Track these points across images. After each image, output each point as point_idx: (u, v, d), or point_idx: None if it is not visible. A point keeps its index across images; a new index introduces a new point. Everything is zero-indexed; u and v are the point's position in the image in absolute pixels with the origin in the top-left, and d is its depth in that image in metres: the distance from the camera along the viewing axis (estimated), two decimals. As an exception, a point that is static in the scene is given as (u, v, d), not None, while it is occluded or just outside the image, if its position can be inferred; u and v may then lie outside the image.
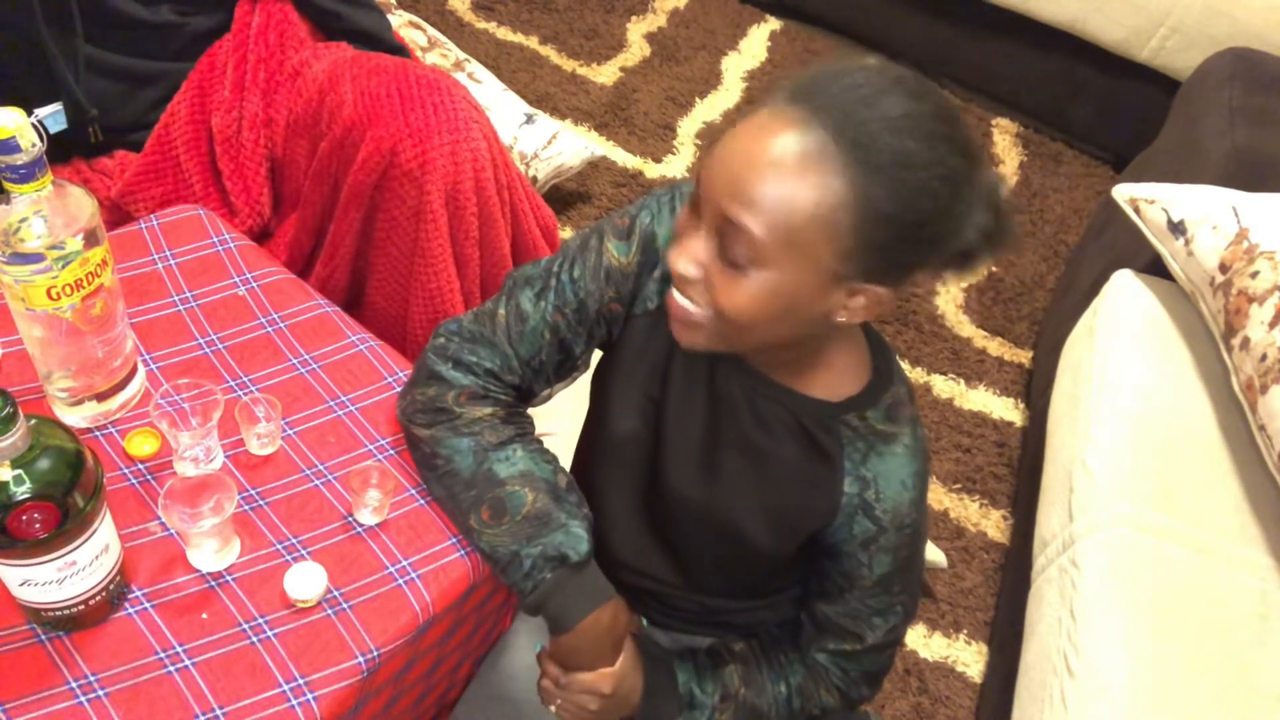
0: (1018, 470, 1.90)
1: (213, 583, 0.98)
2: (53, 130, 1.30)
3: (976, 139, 0.82)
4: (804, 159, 0.76)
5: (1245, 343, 1.34)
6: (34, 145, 0.87)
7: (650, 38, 2.58)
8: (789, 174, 0.76)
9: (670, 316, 0.88)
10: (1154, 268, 1.60)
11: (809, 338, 0.90)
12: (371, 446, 1.10)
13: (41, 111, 1.28)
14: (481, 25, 2.51)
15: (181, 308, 1.18)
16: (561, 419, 1.35)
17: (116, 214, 1.37)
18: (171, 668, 0.92)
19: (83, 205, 0.94)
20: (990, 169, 0.85)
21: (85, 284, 0.95)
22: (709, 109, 2.44)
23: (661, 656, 1.05)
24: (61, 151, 1.35)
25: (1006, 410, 2.00)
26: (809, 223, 0.77)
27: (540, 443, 1.03)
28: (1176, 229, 1.50)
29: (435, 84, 1.32)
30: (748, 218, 0.77)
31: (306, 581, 0.97)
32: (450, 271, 1.37)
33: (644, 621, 1.13)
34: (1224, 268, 1.41)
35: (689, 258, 0.83)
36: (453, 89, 1.33)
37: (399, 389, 1.13)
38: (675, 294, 0.86)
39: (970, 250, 0.83)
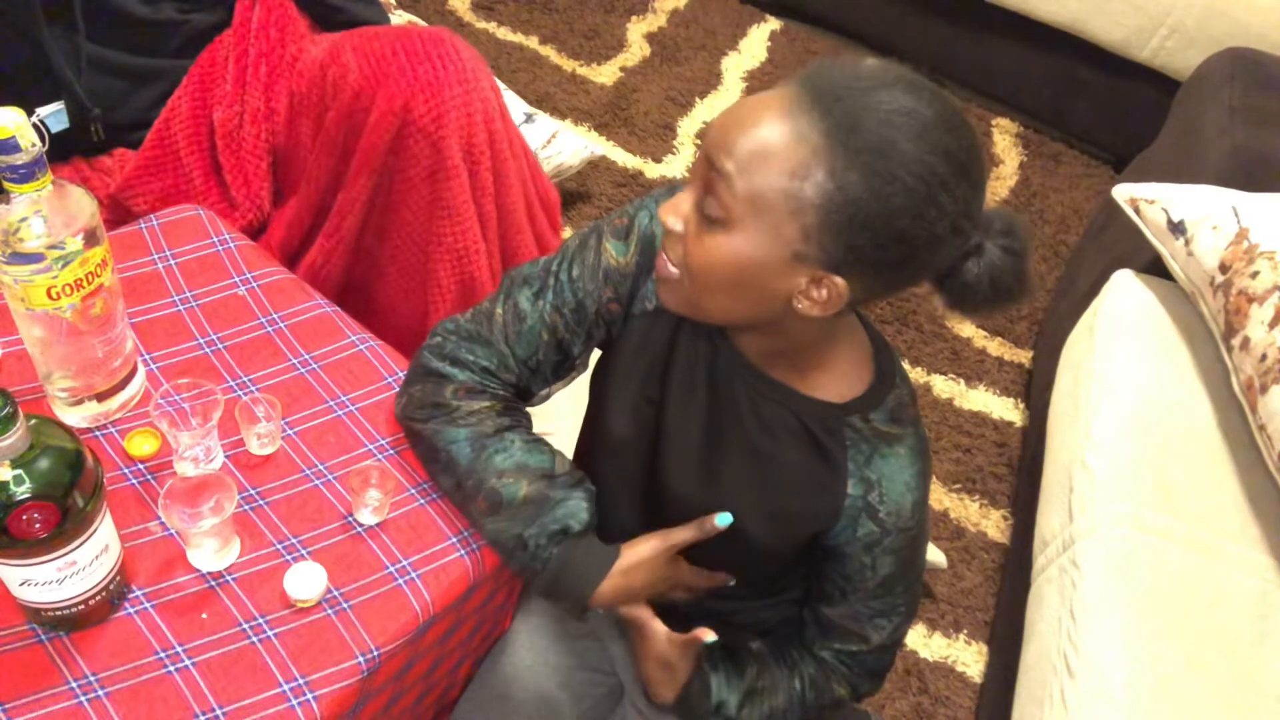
0: (1018, 470, 1.90)
1: (213, 583, 0.98)
2: (54, 129, 1.30)
3: (974, 153, 0.81)
4: (788, 131, 0.78)
5: (1245, 343, 1.34)
6: (34, 145, 0.87)
7: (650, 38, 2.58)
8: (771, 142, 0.78)
9: (656, 271, 0.90)
10: (1154, 268, 1.60)
11: (806, 337, 0.90)
12: (371, 446, 1.10)
13: (43, 110, 1.28)
14: (481, 25, 2.51)
15: (181, 308, 1.18)
16: (559, 419, 1.35)
17: (116, 211, 1.38)
18: (171, 668, 0.92)
19: (83, 205, 0.94)
20: (1013, 214, 0.85)
21: (85, 284, 0.95)
22: (709, 109, 2.44)
23: (698, 661, 1.05)
24: (61, 150, 1.35)
25: (1006, 410, 2.00)
26: (778, 192, 0.78)
27: (536, 435, 1.03)
28: (1176, 229, 1.50)
29: (438, 37, 1.33)
30: (725, 174, 0.80)
31: (306, 581, 0.97)
32: (475, 229, 1.37)
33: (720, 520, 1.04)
34: (1224, 268, 1.41)
35: (674, 210, 0.85)
36: (455, 41, 1.34)
37: (399, 388, 1.13)
38: (660, 251, 0.88)
39: (968, 281, 0.82)
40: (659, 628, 1.01)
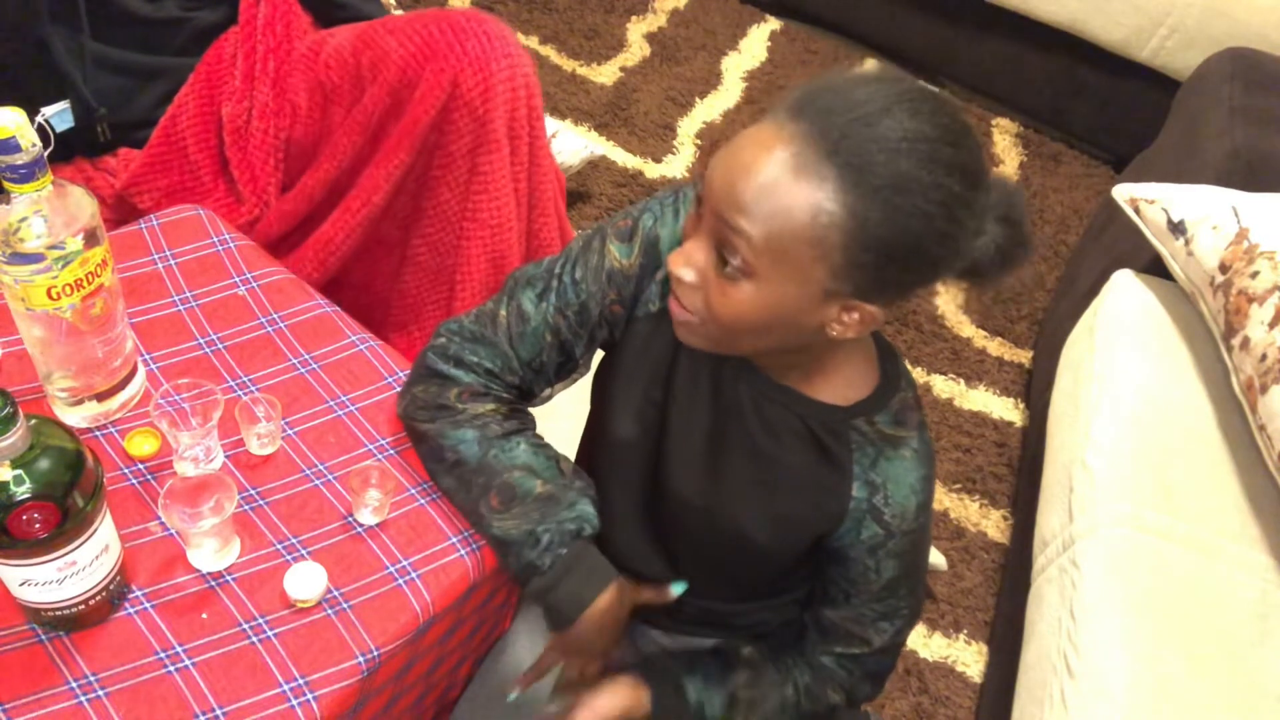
0: (1018, 470, 1.90)
1: (213, 583, 0.98)
2: (60, 129, 1.29)
3: (981, 160, 0.81)
4: (799, 177, 0.76)
5: (1245, 343, 1.34)
6: (34, 145, 0.87)
7: (650, 38, 2.58)
8: (784, 191, 0.77)
9: (671, 314, 0.89)
10: (1154, 268, 1.60)
11: (814, 344, 0.90)
12: (371, 446, 1.10)
13: (48, 110, 1.28)
14: (481, 25, 2.51)
15: (181, 308, 1.18)
16: (560, 419, 1.35)
17: (121, 209, 1.38)
18: (171, 668, 0.92)
19: (83, 205, 0.94)
20: (1007, 181, 0.84)
21: (85, 284, 0.95)
22: (709, 109, 2.44)
23: (669, 669, 1.05)
24: (65, 150, 1.35)
25: (1006, 410, 2.00)
26: (800, 240, 0.77)
27: (541, 438, 1.03)
28: (1176, 229, 1.50)
29: (479, 17, 1.36)
30: (742, 230, 0.78)
31: (306, 581, 0.97)
32: (510, 203, 1.38)
33: (675, 588, 1.08)
34: (1224, 268, 1.41)
35: (686, 263, 0.84)
36: (497, 21, 1.37)
37: (399, 389, 1.13)
38: (673, 296, 0.87)
39: (977, 259, 0.82)
40: (593, 701, 1.02)
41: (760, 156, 0.78)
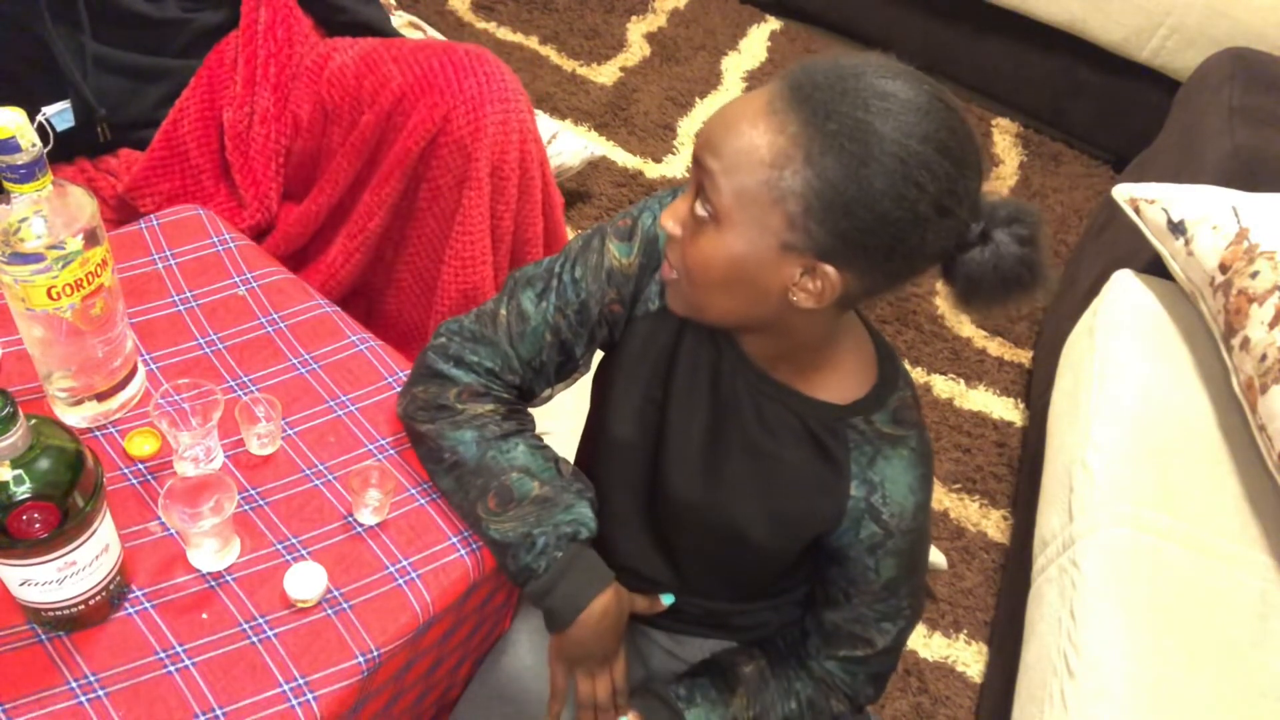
0: (1018, 470, 1.90)
1: (213, 583, 0.98)
2: (60, 129, 1.29)
3: (968, 144, 0.80)
4: (766, 119, 0.78)
5: (1245, 343, 1.35)
6: (34, 145, 0.87)
7: (650, 38, 2.58)
8: (748, 130, 0.79)
9: (663, 277, 0.92)
10: (1154, 268, 1.60)
11: (810, 339, 0.90)
12: (371, 446, 1.10)
13: (49, 110, 1.28)
14: (481, 25, 2.51)
15: (181, 308, 1.18)
16: (560, 417, 1.35)
17: (123, 211, 1.38)
18: (171, 668, 0.92)
19: (83, 205, 0.94)
20: (1026, 202, 0.84)
21: (85, 284, 0.95)
22: (709, 109, 2.44)
23: (669, 701, 1.05)
24: (66, 151, 1.35)
25: (1006, 410, 2.00)
26: (759, 181, 0.78)
27: (541, 439, 1.03)
28: (1176, 229, 1.50)
29: (482, 57, 1.37)
30: (710, 169, 0.81)
31: (306, 581, 0.97)
32: (485, 241, 1.39)
33: (665, 599, 1.10)
34: (1224, 268, 1.41)
35: (673, 215, 0.86)
36: (499, 63, 1.38)
37: (399, 389, 1.13)
38: (665, 257, 0.90)
39: (972, 271, 0.81)
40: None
41: (740, 106, 0.81)
